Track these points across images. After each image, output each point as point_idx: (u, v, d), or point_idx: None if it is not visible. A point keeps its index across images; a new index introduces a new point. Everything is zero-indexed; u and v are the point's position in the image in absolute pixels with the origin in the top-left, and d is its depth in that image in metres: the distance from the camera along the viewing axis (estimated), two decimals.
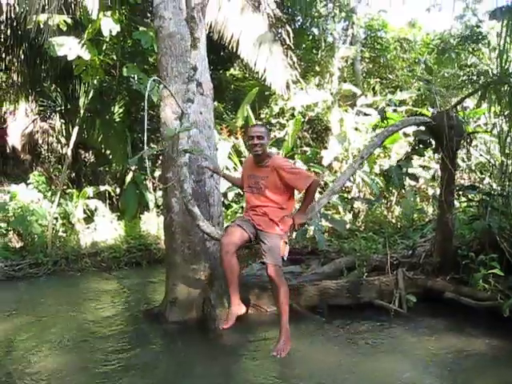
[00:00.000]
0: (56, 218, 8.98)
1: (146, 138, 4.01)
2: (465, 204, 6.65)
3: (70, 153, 9.29)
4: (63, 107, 10.85)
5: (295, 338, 4.07)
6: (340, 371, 3.59)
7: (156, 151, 5.24)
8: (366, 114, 9.97)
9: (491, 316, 4.28)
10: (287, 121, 10.74)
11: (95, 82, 9.09)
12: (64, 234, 8.91)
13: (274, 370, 3.73)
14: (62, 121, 11.05)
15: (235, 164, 9.67)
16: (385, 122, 6.08)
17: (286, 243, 3.94)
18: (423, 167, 9.46)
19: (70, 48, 7.36)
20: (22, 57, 10.31)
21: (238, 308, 3.83)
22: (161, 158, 4.92)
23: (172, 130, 4.03)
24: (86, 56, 7.62)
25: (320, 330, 4.50)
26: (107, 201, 10.37)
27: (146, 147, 3.89)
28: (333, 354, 3.96)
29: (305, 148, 10.75)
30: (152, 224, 9.47)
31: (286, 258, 3.93)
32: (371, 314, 4.81)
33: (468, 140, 5.12)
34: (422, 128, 5.10)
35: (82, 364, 3.91)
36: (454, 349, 3.91)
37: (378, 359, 3.80)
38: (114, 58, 9.65)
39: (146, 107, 4.27)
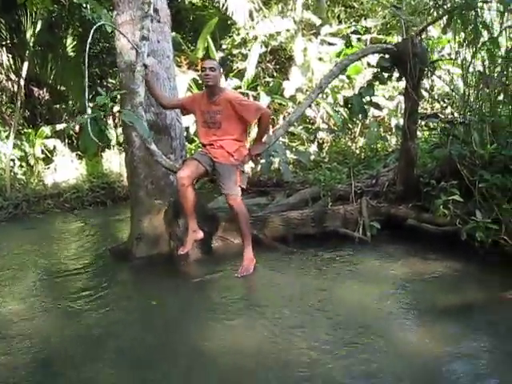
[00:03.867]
0: (13, 160, 8.67)
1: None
2: (427, 133, 6.72)
3: (22, 90, 8.82)
4: (9, 41, 10.14)
5: (262, 267, 4.17)
6: (309, 295, 3.67)
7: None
8: (330, 44, 9.73)
9: (450, 241, 4.44)
10: (249, 51, 10.40)
11: (43, 11, 8.49)
12: (23, 177, 8.64)
13: (240, 295, 3.81)
14: (10, 56, 10.37)
15: None
16: (350, 48, 5.94)
17: (243, 172, 4.29)
18: (386, 97, 9.43)
19: None
20: None
21: (195, 234, 4.28)
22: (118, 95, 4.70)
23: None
24: None
25: (287, 259, 4.58)
26: (66, 140, 10.01)
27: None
28: (301, 279, 4.04)
29: (268, 79, 10.51)
30: (114, 161, 9.29)
31: (244, 187, 4.28)
32: (336, 243, 4.89)
33: (431, 68, 5.06)
34: (386, 56, 5.00)
35: (51, 304, 3.89)
36: (416, 272, 4.04)
37: (345, 284, 3.91)
38: None
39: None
